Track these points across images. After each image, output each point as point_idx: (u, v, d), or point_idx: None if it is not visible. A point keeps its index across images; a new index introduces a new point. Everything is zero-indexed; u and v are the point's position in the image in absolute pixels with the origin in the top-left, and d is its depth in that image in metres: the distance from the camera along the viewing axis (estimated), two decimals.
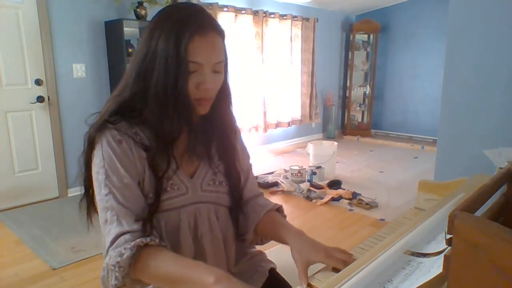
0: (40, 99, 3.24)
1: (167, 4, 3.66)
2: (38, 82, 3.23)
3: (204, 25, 0.80)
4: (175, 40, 0.78)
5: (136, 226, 0.76)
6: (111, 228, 0.76)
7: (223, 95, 0.90)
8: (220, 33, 0.83)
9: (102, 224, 0.78)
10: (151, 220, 0.83)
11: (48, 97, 3.30)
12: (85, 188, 0.89)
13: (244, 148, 1.05)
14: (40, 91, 3.26)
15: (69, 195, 3.51)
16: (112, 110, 0.85)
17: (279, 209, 1.02)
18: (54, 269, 2.26)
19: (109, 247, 0.75)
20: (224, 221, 0.96)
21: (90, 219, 0.92)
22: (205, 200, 0.92)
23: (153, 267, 0.72)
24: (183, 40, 0.78)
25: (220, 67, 0.84)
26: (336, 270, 0.78)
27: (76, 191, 3.55)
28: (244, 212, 1.00)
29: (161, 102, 0.81)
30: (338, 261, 0.79)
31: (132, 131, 0.84)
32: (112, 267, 0.72)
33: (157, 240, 0.75)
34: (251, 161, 1.07)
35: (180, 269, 0.70)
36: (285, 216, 1.02)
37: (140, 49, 0.83)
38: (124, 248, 0.72)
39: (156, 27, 0.81)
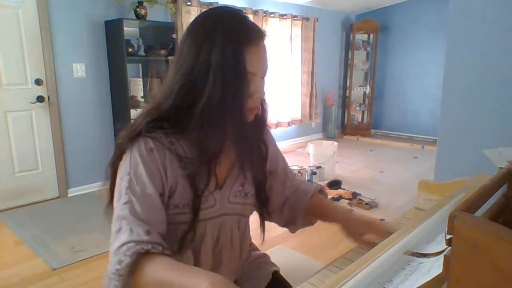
0: (40, 99, 3.24)
1: (169, 5, 3.67)
2: (38, 82, 3.23)
3: (256, 34, 0.79)
4: (233, 50, 0.75)
5: (146, 238, 0.72)
6: (121, 236, 0.73)
7: (262, 101, 0.90)
8: (265, 38, 0.83)
9: (114, 232, 0.75)
10: (188, 233, 0.83)
11: (48, 97, 3.30)
12: (110, 195, 0.86)
13: (277, 150, 1.05)
14: (40, 91, 3.26)
15: (69, 195, 3.51)
16: (148, 121, 0.81)
17: (321, 190, 1.07)
18: (54, 269, 2.26)
19: (113, 254, 0.73)
20: (244, 231, 0.97)
21: None
22: (231, 212, 0.91)
23: (149, 274, 0.69)
24: (241, 51, 0.76)
25: (266, 73, 0.84)
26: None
27: (76, 191, 3.55)
28: (290, 202, 1.04)
29: (215, 115, 0.77)
30: (382, 235, 0.84)
31: (167, 140, 0.82)
32: (112, 275, 0.69)
33: (159, 248, 0.72)
34: (284, 159, 1.08)
35: (174, 275, 0.67)
36: (326, 194, 1.09)
37: (185, 60, 0.78)
38: (124, 255, 0.69)
39: (204, 37, 0.77)
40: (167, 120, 0.82)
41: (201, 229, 0.86)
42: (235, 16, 0.80)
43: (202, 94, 0.77)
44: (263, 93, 0.85)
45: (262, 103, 0.90)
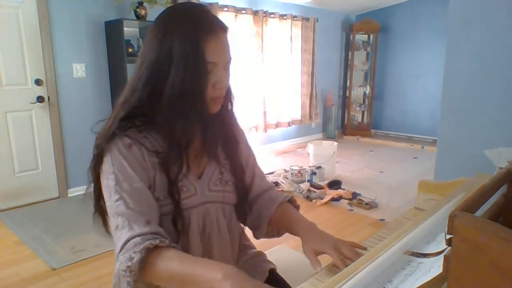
0: (40, 99, 3.24)
1: (169, 5, 3.67)
2: (38, 82, 3.23)
3: (215, 25, 0.81)
4: (192, 42, 0.78)
5: (147, 229, 0.74)
6: (122, 233, 0.75)
7: (227, 93, 0.91)
8: (227, 31, 0.85)
9: (113, 231, 0.77)
10: (175, 222, 0.84)
11: (48, 97, 3.30)
12: (95, 199, 0.89)
13: (247, 144, 1.06)
14: (40, 91, 3.26)
15: (69, 195, 3.52)
16: (121, 117, 0.84)
17: (290, 200, 1.04)
18: (54, 269, 2.26)
19: (119, 253, 0.74)
20: (230, 220, 0.97)
21: (106, 229, 0.90)
22: (213, 199, 0.92)
23: (162, 268, 0.71)
24: (200, 42, 0.78)
25: (229, 65, 0.86)
26: (336, 267, 0.78)
27: (76, 191, 3.55)
28: (257, 206, 1.02)
29: (178, 105, 0.80)
30: (340, 258, 0.79)
31: (141, 135, 0.84)
32: (123, 272, 0.70)
33: (166, 241, 0.74)
34: (255, 156, 1.08)
35: (188, 267, 0.69)
36: (297, 206, 1.04)
37: (149, 52, 0.82)
38: (134, 252, 0.70)
39: (166, 30, 0.80)
40: (139, 116, 0.84)
41: (185, 219, 0.88)
42: (195, 10, 0.83)
43: (165, 86, 0.80)
44: (227, 83, 0.86)
45: (228, 93, 0.92)
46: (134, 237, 0.73)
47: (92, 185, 0.87)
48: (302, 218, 0.96)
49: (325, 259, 0.83)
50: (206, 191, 0.91)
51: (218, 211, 0.94)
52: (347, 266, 0.73)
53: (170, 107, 0.81)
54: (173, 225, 0.85)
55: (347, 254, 0.80)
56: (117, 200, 0.77)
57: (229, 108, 0.96)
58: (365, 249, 0.83)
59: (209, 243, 0.92)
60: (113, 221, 0.78)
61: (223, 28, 0.83)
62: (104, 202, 0.84)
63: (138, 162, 0.81)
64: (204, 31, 0.79)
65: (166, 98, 0.80)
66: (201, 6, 0.85)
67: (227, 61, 0.84)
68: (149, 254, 0.71)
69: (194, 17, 0.81)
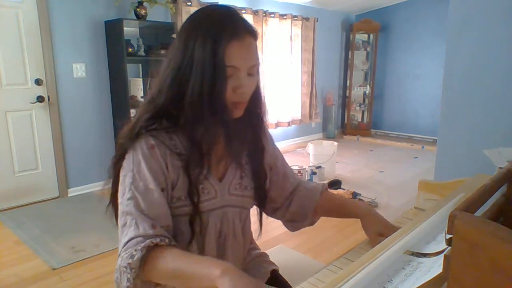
0: (40, 99, 3.24)
1: (169, 5, 3.68)
2: (38, 82, 3.23)
3: (239, 28, 0.80)
4: (212, 45, 0.77)
5: (152, 231, 0.75)
6: (128, 231, 0.76)
7: (255, 98, 0.90)
8: (254, 36, 0.83)
9: (120, 227, 0.79)
10: (193, 223, 0.85)
11: (48, 97, 3.30)
12: (112, 192, 0.89)
13: (275, 147, 1.07)
14: (40, 91, 3.26)
15: (69, 195, 3.52)
16: (146, 118, 0.84)
17: (327, 188, 1.10)
18: (54, 269, 2.26)
19: (122, 248, 0.75)
20: (245, 224, 0.99)
21: (117, 221, 0.90)
22: (232, 204, 0.93)
23: (161, 266, 0.72)
24: (220, 45, 0.77)
25: (255, 70, 0.84)
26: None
27: (76, 191, 3.55)
28: (297, 199, 1.05)
29: (198, 108, 0.80)
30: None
31: (167, 136, 0.84)
32: (124, 269, 0.72)
33: (167, 240, 0.75)
34: (282, 156, 1.10)
35: (187, 264, 0.71)
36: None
37: (175, 55, 0.82)
38: (135, 250, 0.72)
39: (191, 33, 0.80)
40: (165, 116, 0.85)
41: (204, 221, 0.88)
42: (222, 12, 0.82)
43: (187, 88, 0.80)
44: (249, 88, 0.84)
45: (256, 99, 0.90)
46: (138, 236, 0.74)
47: (112, 180, 0.88)
48: (356, 202, 1.02)
49: (324, 260, 0.83)
50: (226, 194, 0.92)
51: (235, 215, 0.94)
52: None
53: (191, 110, 0.81)
54: (190, 226, 0.86)
55: None
56: (128, 199, 0.79)
57: (258, 115, 0.93)
58: None
59: (223, 245, 0.93)
60: (121, 218, 0.79)
61: (248, 32, 0.81)
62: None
63: (158, 164, 0.82)
64: (225, 33, 0.78)
65: (187, 101, 0.80)
66: (226, 8, 0.83)
67: (251, 66, 0.82)
68: (150, 252, 0.73)
69: (217, 19, 0.80)
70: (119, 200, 0.81)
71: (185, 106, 0.81)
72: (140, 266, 0.72)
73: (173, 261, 0.72)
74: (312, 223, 1.08)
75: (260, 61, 0.88)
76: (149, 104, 0.85)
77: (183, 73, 0.80)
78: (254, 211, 1.04)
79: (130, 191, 0.79)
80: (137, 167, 0.81)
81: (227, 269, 0.67)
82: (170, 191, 0.84)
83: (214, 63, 0.77)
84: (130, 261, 0.71)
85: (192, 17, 0.83)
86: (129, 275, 0.72)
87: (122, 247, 0.75)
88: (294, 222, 1.08)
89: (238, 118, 0.87)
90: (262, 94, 0.93)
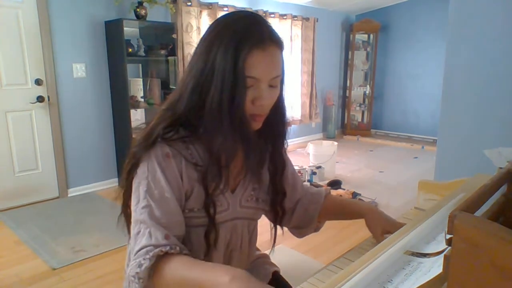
0: (40, 99, 3.24)
1: (169, 5, 3.68)
2: (38, 82, 3.23)
3: (263, 37, 0.76)
4: (233, 53, 0.74)
5: (164, 242, 0.73)
6: (142, 239, 0.74)
7: (277, 111, 0.86)
8: (279, 46, 0.80)
9: (134, 235, 0.76)
10: (208, 236, 0.84)
11: (48, 97, 3.30)
12: (123, 202, 0.86)
13: (287, 156, 1.03)
14: (40, 91, 3.26)
15: (69, 195, 3.51)
16: (164, 126, 0.81)
17: (330, 192, 1.09)
18: (54, 269, 2.26)
19: (133, 257, 0.73)
20: (253, 235, 0.98)
21: (129, 232, 0.88)
22: (242, 216, 0.92)
23: (170, 274, 0.70)
24: (241, 54, 0.74)
25: (277, 81, 0.81)
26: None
27: (76, 191, 3.56)
28: (301, 206, 1.04)
29: (217, 118, 0.77)
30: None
31: (183, 146, 0.82)
32: (132, 278, 0.70)
33: (177, 248, 0.73)
34: (293, 166, 1.08)
35: (195, 272, 0.68)
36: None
37: (197, 61, 0.79)
38: (144, 259, 0.70)
39: (214, 40, 0.77)
40: (183, 125, 0.82)
41: (216, 233, 0.87)
42: (247, 19, 0.78)
43: (207, 97, 0.77)
44: (269, 101, 0.81)
45: (278, 114, 0.86)
46: (149, 245, 0.72)
47: (123, 189, 0.85)
48: (358, 201, 1.02)
49: (324, 260, 0.83)
50: (237, 207, 0.90)
51: (244, 227, 0.93)
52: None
53: (210, 120, 0.78)
54: (206, 239, 0.84)
55: None
56: (143, 207, 0.76)
57: (279, 126, 0.89)
58: None
59: (229, 257, 0.93)
60: (135, 226, 0.77)
61: (274, 42, 0.78)
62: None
63: (173, 173, 0.79)
64: (248, 43, 0.74)
65: (207, 111, 0.78)
66: (254, 16, 0.80)
67: (274, 77, 0.79)
68: (159, 261, 0.71)
69: (241, 26, 0.76)
70: (133, 208, 0.79)
71: (205, 115, 0.78)
72: (149, 276, 0.71)
73: (181, 269, 0.70)
74: (317, 229, 1.07)
75: (284, 72, 0.83)
76: (167, 111, 0.82)
77: (204, 80, 0.77)
78: (260, 221, 1.02)
79: (145, 199, 0.77)
80: (153, 175, 0.78)
81: (236, 275, 0.65)
82: (184, 201, 0.82)
83: (234, 73, 0.74)
84: (138, 270, 0.69)
85: (216, 23, 0.80)
86: (137, 285, 0.70)
87: (134, 256, 0.73)
88: (300, 229, 1.06)
89: (259, 131, 0.84)
90: (284, 107, 0.88)
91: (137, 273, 0.70)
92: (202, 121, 0.79)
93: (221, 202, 0.86)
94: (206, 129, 0.79)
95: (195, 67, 0.79)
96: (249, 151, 0.84)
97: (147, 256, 0.70)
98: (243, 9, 4.61)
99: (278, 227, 1.04)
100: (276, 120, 0.87)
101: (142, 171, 0.79)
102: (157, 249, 0.71)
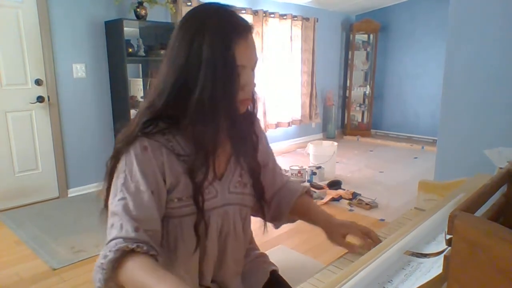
0: (40, 99, 3.24)
1: (169, 5, 3.68)
2: (38, 82, 3.23)
3: (243, 27, 0.81)
4: (222, 45, 0.77)
5: (134, 234, 0.74)
6: (112, 232, 0.76)
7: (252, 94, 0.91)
8: (252, 31, 0.84)
9: (108, 228, 0.78)
10: (197, 227, 0.85)
11: (48, 97, 3.30)
12: (105, 197, 0.87)
13: (267, 144, 1.07)
14: (40, 91, 3.26)
15: (69, 195, 3.51)
16: (144, 120, 0.83)
17: (308, 191, 1.10)
18: (54, 269, 2.26)
19: (103, 248, 0.75)
20: (245, 222, 0.98)
21: None
22: (232, 202, 0.93)
23: (128, 273, 0.71)
24: (230, 45, 0.78)
25: (256, 65, 0.86)
26: (354, 249, 0.88)
27: (76, 191, 3.55)
28: (276, 199, 1.06)
29: (208, 109, 0.79)
30: (362, 235, 0.89)
31: (164, 138, 0.83)
32: (97, 268, 0.72)
33: (145, 248, 0.73)
34: (274, 155, 1.10)
35: (149, 278, 0.68)
36: (312, 197, 1.12)
37: (177, 55, 0.81)
38: (110, 251, 0.71)
39: (196, 33, 0.79)
40: (163, 119, 0.84)
41: (205, 221, 0.88)
42: (223, 12, 0.82)
43: (194, 89, 0.79)
44: (254, 84, 0.87)
45: (253, 94, 0.91)
46: (118, 237, 0.74)
47: (106, 184, 0.86)
48: (321, 210, 1.03)
49: (324, 260, 0.83)
50: (226, 193, 0.92)
51: (236, 213, 0.94)
52: (369, 245, 0.84)
53: (199, 111, 0.80)
54: (194, 230, 0.85)
55: (367, 232, 0.89)
56: (119, 200, 0.78)
57: (252, 108, 0.94)
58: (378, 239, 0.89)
59: (224, 244, 0.93)
60: (110, 219, 0.78)
61: (250, 29, 0.83)
62: None
63: (150, 166, 0.81)
64: (234, 33, 0.79)
65: (195, 102, 0.79)
66: (224, 8, 0.84)
67: (255, 62, 0.85)
68: (125, 256, 0.72)
69: (224, 19, 0.80)
70: (110, 201, 0.80)
71: (189, 107, 0.80)
72: (113, 268, 0.71)
73: (139, 271, 0.70)
74: (290, 221, 1.09)
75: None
76: (148, 108, 0.84)
77: (188, 73, 0.79)
78: (259, 223, 1.05)
79: (121, 192, 0.78)
80: (129, 169, 0.80)
81: None
82: (166, 194, 0.83)
83: (226, 63, 0.78)
84: (102, 261, 0.71)
85: (192, 17, 0.82)
86: (100, 275, 0.71)
87: (105, 246, 0.75)
88: (274, 221, 1.09)
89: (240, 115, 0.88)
90: (255, 89, 0.94)
91: (101, 263, 0.71)
92: (186, 113, 0.81)
93: (209, 190, 0.88)
94: (193, 120, 0.81)
95: (174, 63, 0.81)
96: (239, 137, 0.89)
97: (113, 248, 0.71)
98: (242, 8, 4.62)
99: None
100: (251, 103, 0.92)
101: (121, 165, 0.81)
102: (124, 244, 0.72)
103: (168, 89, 0.81)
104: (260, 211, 1.03)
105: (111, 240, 0.74)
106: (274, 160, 1.09)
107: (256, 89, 0.92)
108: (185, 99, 0.80)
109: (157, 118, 0.84)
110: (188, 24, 0.81)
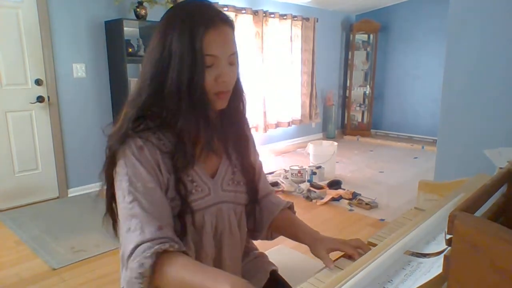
0: (40, 99, 3.24)
1: (169, 5, 3.67)
2: (38, 82, 3.23)
3: (215, 18, 0.81)
4: (189, 36, 0.78)
5: (159, 233, 0.74)
6: (133, 236, 0.74)
7: (236, 90, 0.90)
8: (230, 25, 0.84)
9: (124, 233, 0.77)
10: (182, 222, 0.84)
11: (48, 97, 3.30)
12: (107, 201, 0.88)
13: (255, 147, 1.06)
14: (40, 91, 3.26)
15: (69, 195, 3.51)
16: (132, 118, 0.83)
17: (290, 207, 1.06)
18: (54, 269, 2.26)
19: (128, 257, 0.73)
20: (241, 219, 0.98)
21: (116, 231, 0.90)
22: (226, 200, 0.93)
23: (170, 274, 0.71)
24: (197, 35, 0.78)
25: (234, 59, 0.85)
26: (352, 258, 0.83)
27: (76, 191, 3.55)
28: (259, 208, 1.03)
29: (177, 99, 0.80)
30: (352, 248, 0.84)
31: (155, 136, 0.83)
32: (135, 280, 0.71)
33: (176, 246, 0.74)
34: (260, 158, 1.08)
35: (196, 276, 0.69)
36: (295, 213, 1.07)
37: (153, 51, 0.82)
38: (145, 258, 0.70)
39: (168, 27, 0.81)
40: (149, 117, 0.84)
41: (199, 219, 0.88)
42: (194, 5, 0.83)
43: (166, 82, 0.80)
44: (231, 77, 0.85)
45: (238, 92, 0.91)
46: (144, 242, 0.73)
47: (105, 187, 0.86)
48: (307, 226, 0.98)
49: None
50: (219, 190, 0.92)
51: (230, 211, 0.94)
52: (361, 255, 0.78)
53: (170, 102, 0.81)
54: (180, 221, 0.84)
55: (356, 245, 0.85)
56: (131, 202, 0.77)
57: (240, 108, 0.94)
58: (369, 249, 0.85)
59: (220, 242, 0.93)
60: (125, 223, 0.77)
61: (224, 21, 0.82)
62: (116, 205, 0.84)
63: (150, 164, 0.81)
64: (201, 23, 0.78)
65: (166, 94, 0.81)
66: (207, 2, 0.84)
67: (231, 54, 0.83)
68: (158, 258, 0.71)
69: (192, 11, 0.81)
70: (120, 206, 0.80)
71: (165, 99, 0.81)
72: (151, 274, 0.71)
73: (182, 271, 0.70)
74: (267, 237, 1.05)
75: (239, 51, 0.87)
76: (131, 103, 0.84)
77: (162, 66, 0.80)
78: None
79: (130, 194, 0.78)
80: (132, 170, 0.79)
81: (235, 283, 0.65)
82: (165, 191, 0.83)
83: (192, 53, 0.78)
84: (141, 270, 0.70)
85: (167, 14, 0.84)
86: (141, 286, 0.70)
87: (129, 255, 0.73)
88: (253, 232, 1.06)
89: (220, 111, 0.88)
90: (242, 86, 0.93)
91: (140, 273, 0.70)
92: (164, 105, 0.82)
93: (201, 188, 0.88)
94: (168, 112, 0.82)
95: (150, 58, 0.83)
96: (210, 130, 0.87)
97: (147, 254, 0.70)
98: (242, 8, 4.62)
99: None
100: (236, 99, 0.92)
101: (121, 168, 0.81)
102: (157, 246, 0.71)
103: (146, 86, 0.82)
104: (250, 217, 1.01)
105: (136, 247, 0.73)
106: (260, 166, 1.07)
107: (242, 86, 0.93)
108: (162, 92, 0.81)
109: (144, 114, 0.84)
110: (165, 21, 0.83)
